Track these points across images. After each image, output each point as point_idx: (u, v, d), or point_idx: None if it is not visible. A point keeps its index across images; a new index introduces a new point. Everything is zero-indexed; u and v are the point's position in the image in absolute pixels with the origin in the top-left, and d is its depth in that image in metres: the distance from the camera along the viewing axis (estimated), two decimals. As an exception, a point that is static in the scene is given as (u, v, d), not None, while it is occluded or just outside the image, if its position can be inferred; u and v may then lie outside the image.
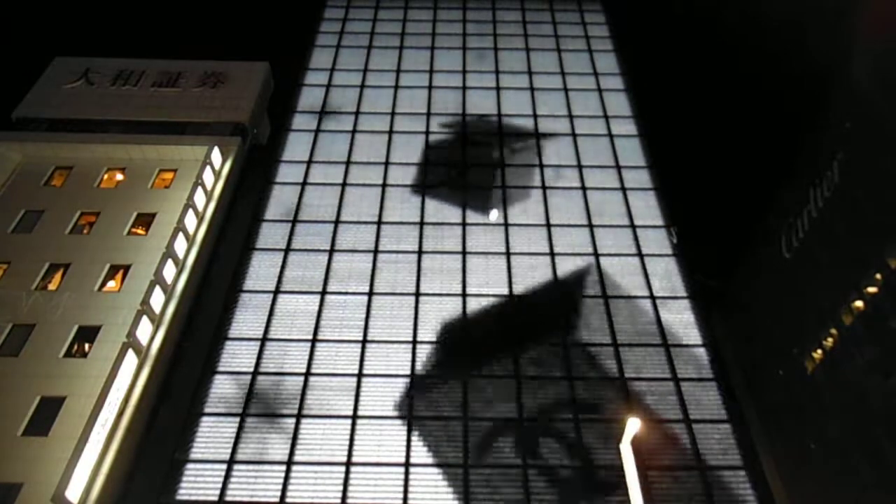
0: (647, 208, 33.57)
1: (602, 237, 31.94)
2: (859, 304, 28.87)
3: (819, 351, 31.73)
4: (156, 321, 27.68)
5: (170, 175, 35.13)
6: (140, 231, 32.23)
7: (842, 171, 31.15)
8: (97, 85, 39.37)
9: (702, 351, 27.34)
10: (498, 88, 40.78)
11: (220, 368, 26.29)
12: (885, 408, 26.48)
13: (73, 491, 21.44)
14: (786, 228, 36.09)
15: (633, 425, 17.55)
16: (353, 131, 37.79)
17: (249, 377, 25.96)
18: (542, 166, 35.56)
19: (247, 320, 28.10)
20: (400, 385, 25.70)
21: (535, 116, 38.83)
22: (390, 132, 37.66)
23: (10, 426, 24.35)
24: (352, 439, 23.91)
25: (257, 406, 25.05)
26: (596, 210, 33.29)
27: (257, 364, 26.40)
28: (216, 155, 35.11)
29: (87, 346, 27.27)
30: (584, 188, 34.43)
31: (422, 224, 32.36)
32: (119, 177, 35.13)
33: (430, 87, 40.79)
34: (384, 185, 34.40)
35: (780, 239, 36.57)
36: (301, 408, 24.92)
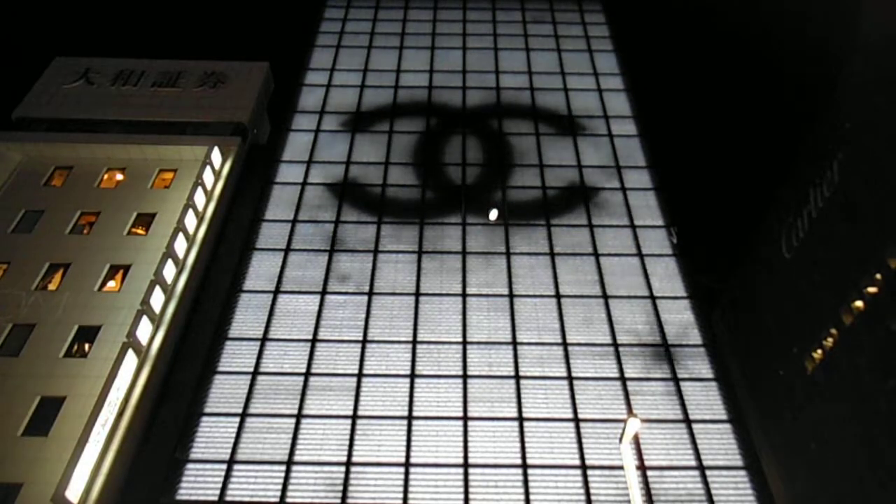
0: (647, 208, 33.56)
1: (602, 237, 31.94)
2: (859, 304, 28.87)
3: (819, 351, 31.74)
4: (156, 321, 27.65)
5: (170, 175, 35.08)
6: (140, 231, 32.20)
7: (842, 171, 31.15)
8: (97, 85, 39.32)
9: (702, 351, 27.33)
10: (498, 88, 40.77)
11: (220, 368, 26.30)
12: (885, 408, 26.49)
13: (73, 491, 21.42)
14: (786, 228, 36.09)
15: (633, 425, 17.52)
16: (353, 131, 37.79)
17: (249, 377, 25.96)
18: (542, 166, 35.55)
19: (247, 320, 28.10)
20: (400, 385, 25.70)
21: (535, 116, 38.84)
22: (390, 132, 37.65)
23: (10, 426, 24.32)
24: (352, 439, 23.91)
25: (257, 406, 25.05)
26: (596, 211, 33.29)
27: (257, 364, 26.40)
28: (216, 155, 35.08)
29: (87, 346, 27.24)
30: (584, 188, 34.42)
31: (422, 224, 32.36)
32: (119, 177, 35.10)
33: (430, 87, 40.78)
34: (384, 185, 34.40)
35: (780, 239, 36.58)
36: (301, 408, 24.93)
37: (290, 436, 24.02)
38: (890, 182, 27.68)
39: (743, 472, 23.37)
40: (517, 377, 26.05)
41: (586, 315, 28.48)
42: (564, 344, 27.29)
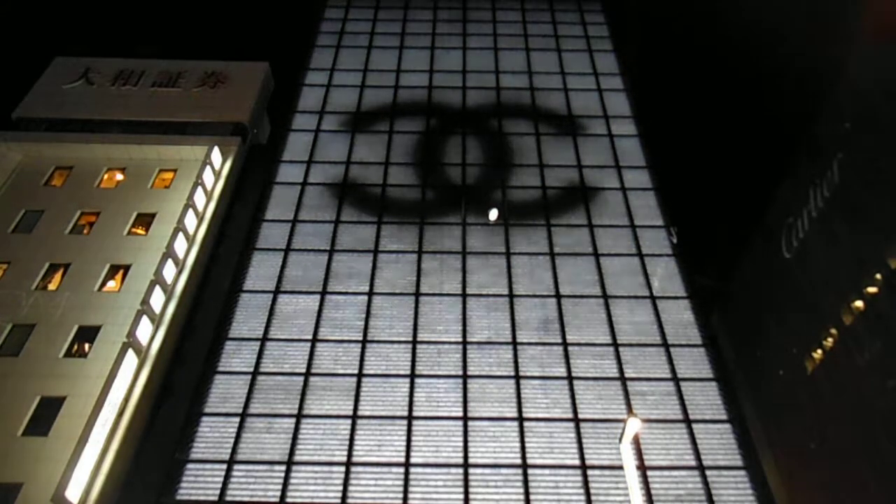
0: (647, 208, 33.57)
1: (602, 237, 31.93)
2: (859, 304, 28.87)
3: (819, 351, 31.72)
4: (156, 321, 27.66)
5: (170, 175, 35.09)
6: (140, 231, 32.21)
7: (842, 171, 31.16)
8: (97, 85, 39.33)
9: (702, 351, 27.33)
10: (498, 88, 40.77)
11: (220, 368, 26.30)
12: (885, 408, 26.48)
13: (73, 491, 21.43)
14: (786, 228, 36.08)
15: (633, 425, 17.52)
16: (353, 131, 37.79)
17: (249, 377, 25.96)
18: (542, 166, 35.55)
19: (247, 320, 28.10)
20: (400, 385, 25.70)
21: (535, 116, 38.84)
22: (390, 132, 37.65)
23: (10, 426, 24.33)
24: (352, 439, 23.92)
25: (257, 406, 25.05)
26: (596, 211, 33.29)
27: (257, 364, 26.40)
28: (216, 155, 35.09)
29: (87, 346, 27.25)
30: (584, 188, 34.42)
31: (422, 224, 32.36)
32: (119, 177, 35.11)
33: (430, 87, 40.79)
34: (384, 185, 34.40)
35: (780, 239, 36.56)
36: (301, 408, 24.93)
37: (290, 436, 24.03)
38: (890, 182, 27.68)
39: (743, 472, 23.38)
40: (517, 377, 26.05)
41: (586, 315, 28.48)
42: (564, 344, 27.30)
